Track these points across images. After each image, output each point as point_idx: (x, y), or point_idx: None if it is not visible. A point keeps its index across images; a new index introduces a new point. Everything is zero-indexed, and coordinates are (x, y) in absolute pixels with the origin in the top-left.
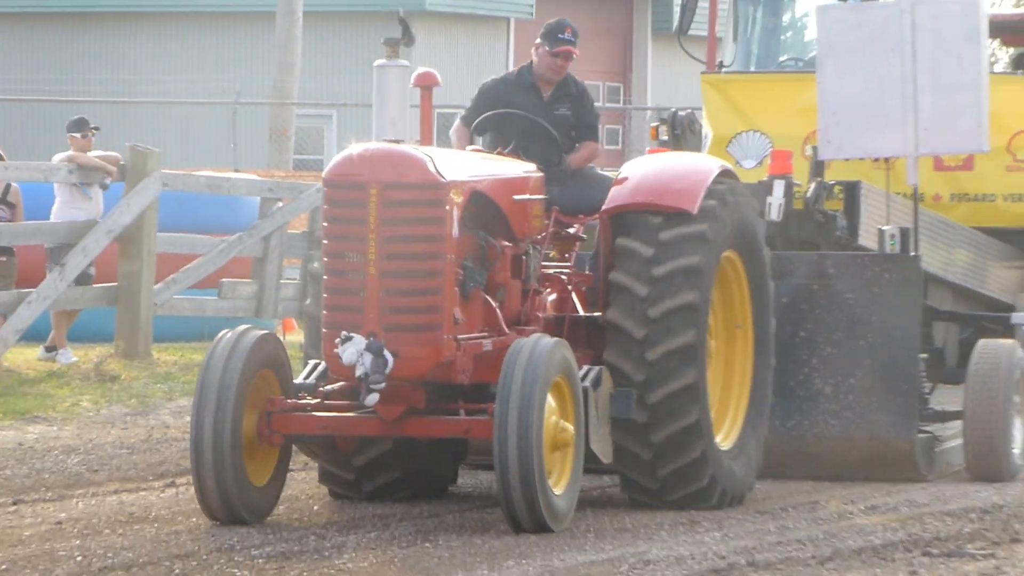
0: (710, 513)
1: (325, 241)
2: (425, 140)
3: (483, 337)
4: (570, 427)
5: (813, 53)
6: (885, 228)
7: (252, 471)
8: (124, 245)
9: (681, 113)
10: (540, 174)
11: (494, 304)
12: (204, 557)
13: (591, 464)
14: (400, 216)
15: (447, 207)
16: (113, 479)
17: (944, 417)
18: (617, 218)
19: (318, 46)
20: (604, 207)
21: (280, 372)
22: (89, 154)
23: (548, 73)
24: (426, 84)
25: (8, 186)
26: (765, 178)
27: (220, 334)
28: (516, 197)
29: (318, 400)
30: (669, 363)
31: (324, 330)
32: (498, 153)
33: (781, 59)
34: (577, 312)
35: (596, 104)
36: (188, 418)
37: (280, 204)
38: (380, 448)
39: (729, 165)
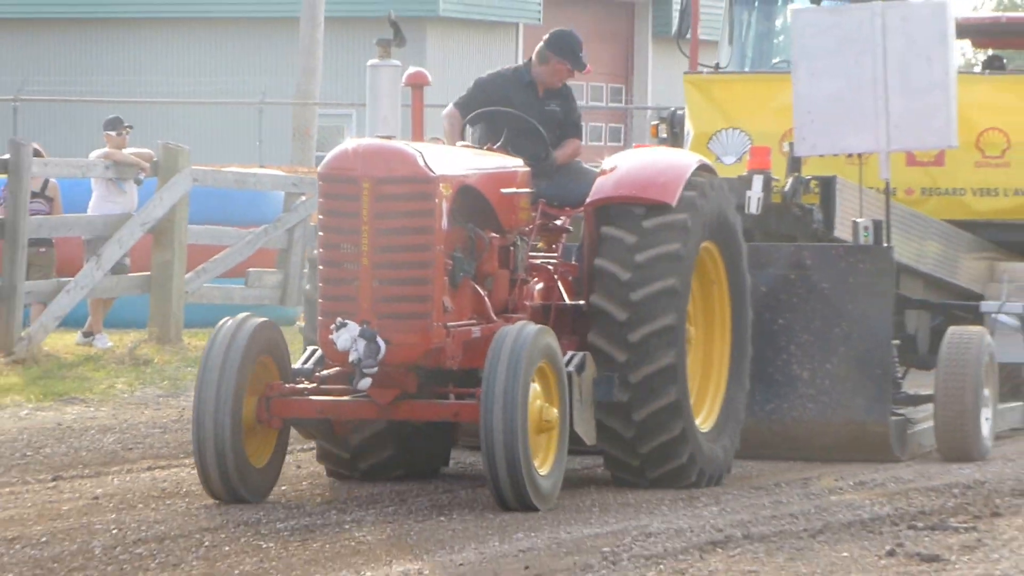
0: (708, 490)
1: (321, 233)
2: (416, 136)
3: (472, 324)
4: (554, 410)
5: None
6: (859, 221)
7: (252, 453)
8: (157, 237)
9: (679, 112)
10: (527, 169)
11: (483, 293)
12: (232, 530)
13: (577, 446)
14: (392, 209)
15: (436, 200)
16: (146, 457)
17: (916, 401)
18: (601, 210)
19: (339, 50)
20: (588, 200)
21: (278, 358)
22: (124, 151)
23: (550, 79)
24: (417, 83)
25: (46, 181)
26: (745, 173)
27: (221, 322)
28: (504, 191)
29: (315, 385)
30: (650, 344)
31: (320, 318)
32: (488, 148)
33: (774, 61)
34: (563, 300)
35: (600, 104)
36: None
37: (303, 198)
38: (374, 428)
39: (707, 160)
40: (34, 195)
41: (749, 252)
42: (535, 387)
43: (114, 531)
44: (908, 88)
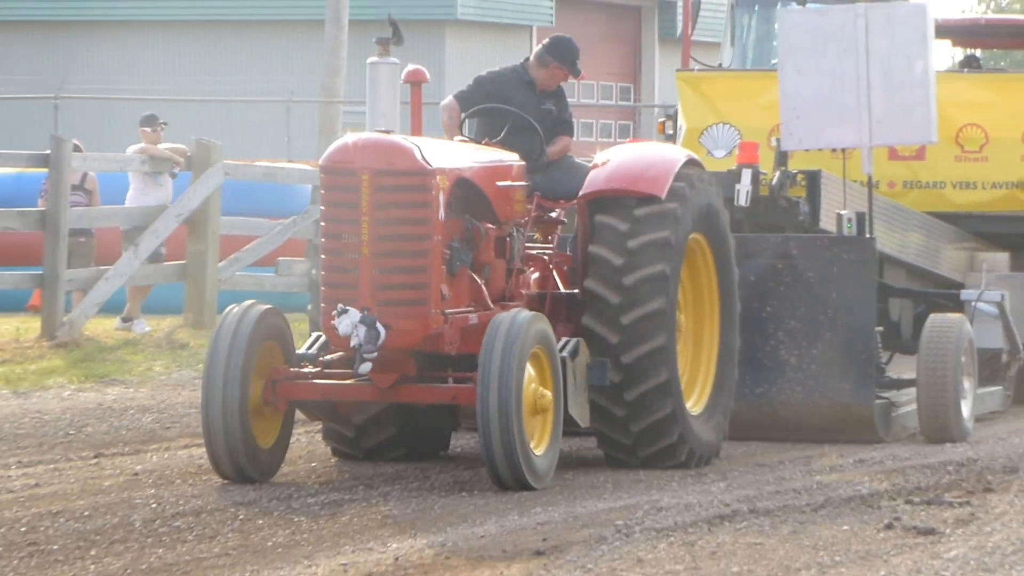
0: (717, 465)
1: (323, 224)
2: (415, 131)
3: (469, 312)
4: (548, 393)
5: None
6: (843, 213)
7: (259, 434)
8: (191, 227)
9: None
10: (522, 163)
11: (480, 281)
12: (265, 504)
13: (573, 428)
14: (390, 201)
15: (434, 192)
16: (184, 435)
17: (899, 384)
18: (594, 202)
19: (362, 51)
20: (581, 193)
21: (283, 343)
22: (159, 147)
23: (547, 82)
24: (415, 80)
25: (85, 175)
26: (734, 167)
27: (228, 309)
28: (499, 183)
29: (319, 369)
30: (641, 326)
31: (322, 304)
32: (485, 143)
33: (773, 61)
34: (558, 289)
35: (609, 102)
36: None
37: None
38: (376, 410)
39: (695, 155)
40: (73, 188)
41: (738, 243)
42: (529, 371)
43: (153, 505)
44: (890, 86)
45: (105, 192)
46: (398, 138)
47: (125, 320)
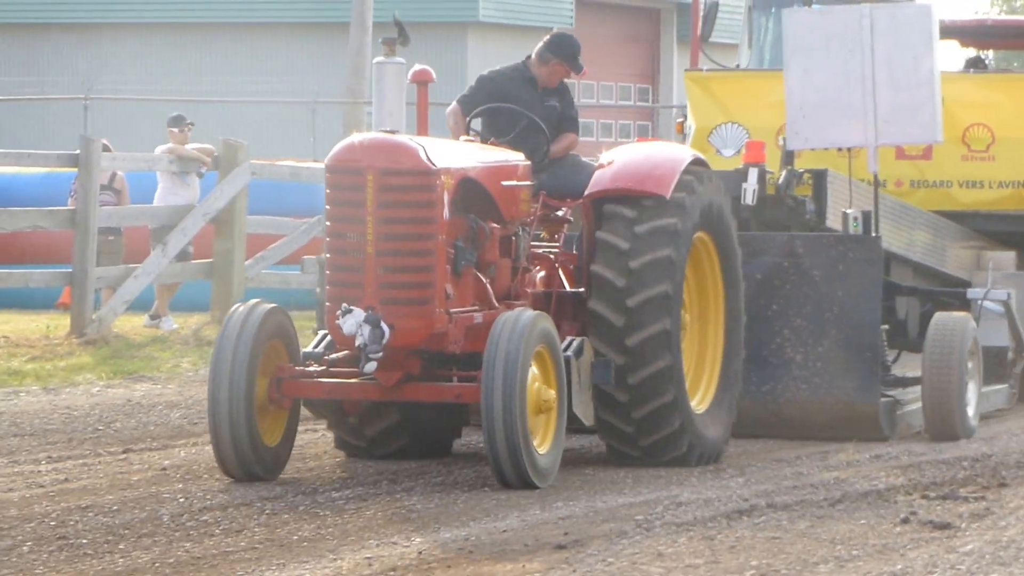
0: (735, 460)
1: (328, 223)
2: (421, 131)
3: (474, 310)
4: (552, 392)
5: None
6: (849, 211)
7: (264, 432)
8: (218, 226)
9: None
10: (528, 163)
11: (485, 280)
12: (291, 499)
13: (577, 427)
14: (395, 200)
15: (438, 191)
16: None
17: (904, 383)
18: (599, 202)
19: None
20: (587, 192)
21: (288, 342)
22: (187, 147)
23: (549, 79)
24: (422, 80)
25: (114, 174)
26: (741, 166)
27: (233, 307)
28: (504, 183)
29: (324, 367)
30: (647, 309)
31: (327, 303)
32: (490, 143)
33: None
34: (564, 288)
35: (628, 103)
36: None
37: None
38: (381, 405)
39: (701, 155)
40: (103, 187)
41: (745, 241)
42: (533, 370)
43: (181, 500)
44: (895, 85)
45: (134, 191)
46: (403, 138)
47: (153, 317)
